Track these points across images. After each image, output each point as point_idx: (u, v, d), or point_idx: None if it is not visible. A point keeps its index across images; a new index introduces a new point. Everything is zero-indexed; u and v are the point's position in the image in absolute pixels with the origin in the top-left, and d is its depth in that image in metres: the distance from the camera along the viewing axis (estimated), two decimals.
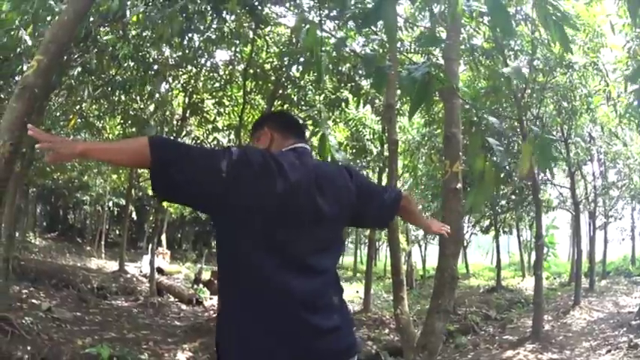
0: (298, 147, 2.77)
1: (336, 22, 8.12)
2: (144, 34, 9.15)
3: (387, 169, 13.16)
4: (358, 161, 12.28)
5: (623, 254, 29.24)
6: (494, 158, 4.70)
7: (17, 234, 15.85)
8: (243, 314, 2.47)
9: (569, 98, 12.97)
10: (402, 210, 3.24)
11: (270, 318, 2.44)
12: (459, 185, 4.74)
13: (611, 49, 11.33)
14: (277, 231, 2.46)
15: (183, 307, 13.71)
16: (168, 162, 2.30)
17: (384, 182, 13.86)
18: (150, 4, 7.86)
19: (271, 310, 2.44)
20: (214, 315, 11.71)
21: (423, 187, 19.03)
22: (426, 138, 15.43)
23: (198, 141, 13.70)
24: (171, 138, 3.11)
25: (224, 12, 8.42)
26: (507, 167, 12.95)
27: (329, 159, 4.78)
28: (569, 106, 13.21)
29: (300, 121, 3.57)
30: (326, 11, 6.94)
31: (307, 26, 4.43)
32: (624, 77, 10.40)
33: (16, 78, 8.25)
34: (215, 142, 13.27)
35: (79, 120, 13.12)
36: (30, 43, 7.21)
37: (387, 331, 12.11)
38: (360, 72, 10.85)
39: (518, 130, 12.09)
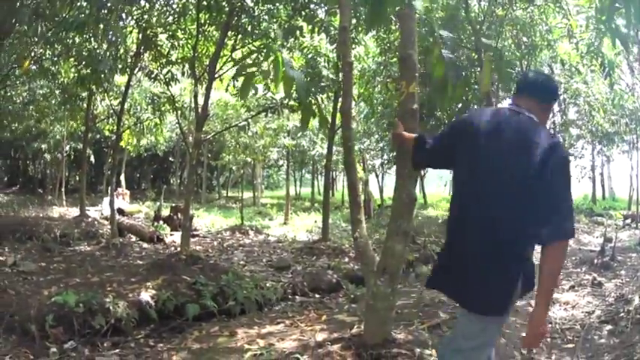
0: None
1: None
2: None
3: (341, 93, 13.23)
4: (313, 88, 12.17)
5: (583, 193, 29.78)
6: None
7: None
8: None
9: (529, 33, 13.00)
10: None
11: None
12: (416, 106, 4.71)
13: None
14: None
15: (145, 245, 13.73)
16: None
17: (338, 107, 13.86)
18: None
19: None
20: (175, 251, 11.70)
21: (378, 115, 19.04)
22: (382, 66, 15.41)
23: (152, 75, 13.53)
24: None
25: None
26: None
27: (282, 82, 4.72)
28: (529, 40, 13.26)
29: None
30: None
31: None
32: (587, 17, 10.38)
33: None
34: (169, 76, 13.10)
35: (33, 67, 12.89)
36: None
37: (346, 259, 12.27)
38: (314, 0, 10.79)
39: (477, 61, 12.10)
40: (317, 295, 9.39)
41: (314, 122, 13.58)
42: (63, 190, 25.83)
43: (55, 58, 13.49)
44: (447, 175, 36.91)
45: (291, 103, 9.75)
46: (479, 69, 12.06)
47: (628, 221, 19.47)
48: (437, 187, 42.39)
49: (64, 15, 10.41)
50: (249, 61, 7.98)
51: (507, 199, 3.22)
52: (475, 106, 13.54)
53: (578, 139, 23.62)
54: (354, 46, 12.49)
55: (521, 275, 3.45)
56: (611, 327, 6.71)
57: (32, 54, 12.34)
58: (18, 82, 15.45)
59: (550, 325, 6.78)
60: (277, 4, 10.38)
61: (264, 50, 8.28)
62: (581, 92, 18.53)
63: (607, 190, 32.97)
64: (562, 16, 12.29)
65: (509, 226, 3.26)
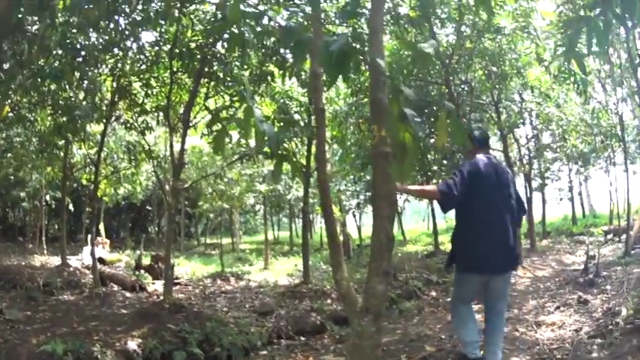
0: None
1: None
2: (71, 20, 9.00)
3: (315, 139, 13.30)
4: (287, 133, 12.32)
5: (563, 214, 29.99)
6: (412, 128, 4.79)
7: None
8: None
9: (499, 63, 13.19)
10: None
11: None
12: (388, 149, 4.80)
13: (543, 17, 11.51)
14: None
15: (128, 294, 13.63)
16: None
17: (313, 153, 13.98)
18: None
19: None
20: (158, 300, 11.70)
21: (353, 156, 19.16)
22: (354, 107, 15.56)
23: (128, 124, 13.61)
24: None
25: None
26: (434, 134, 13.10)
27: (254, 132, 4.80)
28: (499, 70, 13.45)
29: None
30: None
31: (231, 1, 4.42)
32: (555, 42, 10.56)
33: None
34: (144, 125, 13.18)
35: (9, 114, 12.90)
36: None
37: (329, 301, 12.25)
38: (285, 45, 10.93)
39: (447, 95, 12.27)
40: (302, 338, 9.41)
41: (288, 167, 13.75)
42: (43, 238, 25.64)
43: (32, 106, 13.45)
44: (423, 210, 37.25)
45: (266, 149, 9.86)
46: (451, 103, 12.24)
47: (610, 236, 19.56)
48: (415, 222, 42.71)
49: (40, 63, 10.48)
50: (223, 112, 8.12)
51: (508, 204, 5.91)
52: (435, 155, 13.69)
53: (554, 162, 23.86)
54: (324, 89, 12.64)
55: None
56: (600, 341, 6.74)
57: (9, 101, 12.36)
58: None
59: (537, 347, 6.90)
60: (248, 50, 10.53)
61: (238, 100, 8.42)
62: (553, 117, 18.75)
63: (587, 208, 33.25)
64: (530, 42, 12.49)
65: (512, 217, 5.92)
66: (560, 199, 27.41)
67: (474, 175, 5.65)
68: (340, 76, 4.15)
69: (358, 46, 4.59)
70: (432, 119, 13.54)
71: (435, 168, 17.56)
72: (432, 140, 14.97)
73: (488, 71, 13.92)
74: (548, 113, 18.41)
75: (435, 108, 13.80)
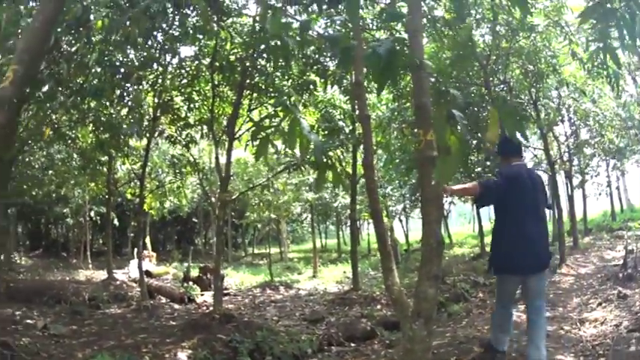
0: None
1: (298, 6, 8.19)
2: (108, 38, 9.13)
3: (361, 147, 13.27)
4: (331, 141, 12.34)
5: (603, 210, 29.62)
6: (459, 129, 4.79)
7: (2, 256, 15.78)
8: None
9: (534, 61, 13.09)
10: None
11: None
12: (435, 153, 4.81)
13: (573, 11, 11.40)
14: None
15: (176, 306, 13.70)
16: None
17: (359, 160, 13.98)
18: (112, 6, 7.86)
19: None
20: (207, 310, 11.76)
21: (397, 161, 19.10)
22: (396, 113, 15.53)
23: (172, 139, 13.75)
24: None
25: (186, 8, 8.46)
26: (478, 134, 13.03)
27: (298, 142, 4.84)
28: (535, 68, 13.35)
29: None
30: None
31: (272, 12, 4.49)
32: (586, 37, 10.46)
33: None
34: (188, 139, 13.31)
35: (50, 132, 13.06)
36: None
37: (378, 306, 12.21)
38: (325, 54, 10.94)
39: (487, 96, 12.22)
40: (352, 344, 9.34)
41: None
42: (88, 253, 25.94)
43: (72, 124, 13.59)
44: (469, 212, 36.98)
45: (311, 158, 9.87)
46: (490, 106, 12.19)
47: None
48: (461, 225, 42.45)
49: (79, 81, 10.63)
50: (266, 121, 8.16)
51: (540, 209, 6.30)
52: (479, 157, 13.59)
53: (592, 158, 23.57)
54: (367, 95, 12.66)
55: None
56: (638, 334, 6.73)
57: (50, 120, 12.52)
58: (35, 147, 15.59)
59: (581, 344, 6.90)
60: (289, 61, 10.58)
61: (281, 110, 8.43)
62: (590, 112, 18.54)
63: (624, 202, 32.76)
64: (563, 38, 12.39)
65: (544, 219, 6.47)
66: (599, 194, 27.01)
67: (512, 180, 6.10)
68: (389, 81, 4.16)
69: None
70: (474, 121, 13.55)
71: (479, 169, 17.43)
72: (474, 142, 14.86)
73: (525, 70, 13.81)
74: (585, 109, 18.21)
75: (475, 109, 13.74)
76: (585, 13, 6.35)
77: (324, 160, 5.44)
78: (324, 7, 5.50)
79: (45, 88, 9.69)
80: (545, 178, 22.39)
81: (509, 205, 6.04)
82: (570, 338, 7.29)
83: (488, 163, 17.30)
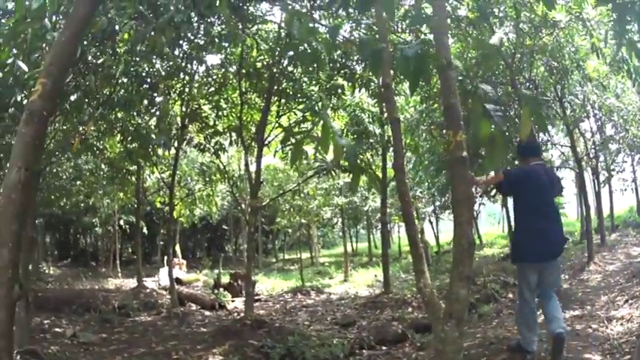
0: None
1: (325, 11, 8.22)
2: (134, 48, 9.20)
3: (390, 149, 13.23)
4: (360, 145, 12.36)
5: (629, 206, 29.32)
6: (496, 122, 4.80)
7: (30, 266, 15.89)
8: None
9: (558, 57, 13.02)
10: None
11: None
12: (465, 153, 4.83)
13: (592, 4, 11.34)
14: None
15: (207, 313, 13.79)
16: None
17: (388, 163, 13.97)
18: (137, 17, 7.93)
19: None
20: (239, 317, 11.82)
21: (426, 163, 19.04)
22: (424, 114, 15.50)
23: (201, 146, 13.80)
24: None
25: (210, 16, 8.51)
26: (507, 133, 12.97)
27: (331, 146, 4.87)
28: (560, 65, 13.27)
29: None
30: (312, 2, 7.02)
31: (298, 18, 4.51)
32: (606, 30, 10.41)
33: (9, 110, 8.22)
34: (217, 146, 13.39)
35: (79, 144, 13.16)
36: (26, 69, 7.24)
37: (410, 309, 12.20)
38: (352, 57, 10.95)
39: (513, 95, 12.15)
40: (384, 348, 9.31)
41: (364, 179, 13.74)
42: (117, 262, 26.11)
43: (100, 134, 13.68)
44: (498, 212, 36.77)
45: (342, 162, 9.86)
46: (516, 105, 12.14)
47: None
48: (490, 225, 42.22)
49: (106, 92, 10.71)
50: (295, 128, 8.22)
51: (554, 202, 7.08)
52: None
53: (618, 154, 23.36)
54: (395, 98, 12.65)
55: None
56: None
57: (78, 132, 12.60)
58: (63, 158, 15.71)
59: (608, 342, 6.90)
60: (316, 66, 10.60)
61: (310, 115, 8.46)
62: (614, 108, 18.38)
63: None
64: (585, 33, 12.32)
65: (559, 212, 7.18)
66: (625, 190, 26.73)
67: (530, 174, 6.68)
68: (420, 82, 4.19)
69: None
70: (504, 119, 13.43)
71: (508, 168, 17.31)
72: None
73: (550, 67, 13.72)
74: (610, 104, 18.06)
75: (503, 108, 13.67)
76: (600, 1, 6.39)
77: (358, 163, 5.46)
78: (360, 9, 5.49)
79: (72, 100, 9.78)
80: (572, 175, 22.33)
81: (528, 199, 6.62)
82: (598, 336, 7.29)
83: (516, 162, 17.23)
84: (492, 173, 7.16)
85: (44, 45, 7.56)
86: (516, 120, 12.60)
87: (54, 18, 7.86)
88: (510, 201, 13.76)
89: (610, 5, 7.98)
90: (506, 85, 12.71)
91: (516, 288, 7.82)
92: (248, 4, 8.87)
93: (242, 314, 11.46)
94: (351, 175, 5.95)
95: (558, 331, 6.29)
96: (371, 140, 13.09)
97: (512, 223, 9.21)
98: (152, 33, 7.45)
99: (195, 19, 8.43)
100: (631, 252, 15.37)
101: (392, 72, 6.33)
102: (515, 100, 12.43)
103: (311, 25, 4.90)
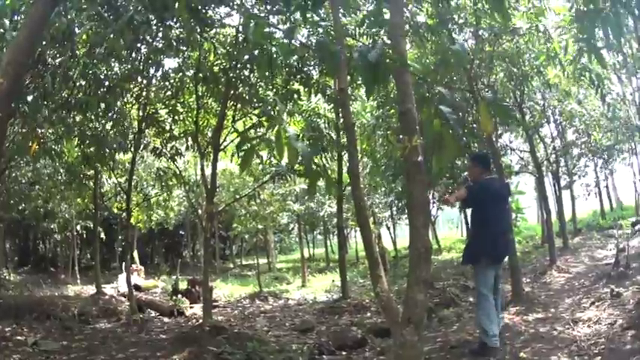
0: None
1: (280, 16, 8.20)
2: (92, 51, 9.09)
3: (345, 154, 13.24)
4: (316, 149, 12.35)
5: (592, 210, 29.78)
6: (449, 127, 4.81)
7: None
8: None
9: (518, 64, 13.14)
10: None
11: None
12: (420, 158, 4.84)
13: (556, 12, 11.46)
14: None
15: (166, 319, 13.66)
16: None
17: (344, 168, 14.02)
18: (96, 19, 7.84)
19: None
20: (197, 323, 11.73)
21: (383, 168, 19.11)
22: (381, 120, 15.56)
23: (157, 151, 13.67)
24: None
25: (169, 20, 8.44)
26: (464, 138, 13.05)
27: (286, 151, 4.84)
28: (519, 71, 13.39)
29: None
30: (270, 7, 6.99)
31: (255, 22, 4.48)
32: (568, 38, 10.53)
33: None
34: (174, 151, 13.29)
35: (37, 147, 12.97)
36: None
37: (368, 314, 12.26)
38: (308, 63, 10.94)
39: (471, 101, 12.24)
40: (344, 353, 9.25)
41: (321, 184, 13.77)
42: (76, 268, 25.82)
43: (58, 138, 13.47)
44: (456, 217, 37.18)
45: (297, 167, 9.84)
46: (474, 110, 12.24)
47: (638, 227, 19.30)
48: (449, 229, 42.68)
49: (63, 95, 10.56)
50: (251, 132, 8.19)
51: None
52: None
53: (580, 158, 23.68)
54: (350, 102, 12.66)
55: None
56: (634, 332, 6.77)
57: (35, 135, 12.41)
58: (22, 162, 15.48)
59: (575, 344, 6.91)
60: (272, 71, 10.58)
61: (266, 119, 8.42)
62: (575, 113, 18.63)
63: (614, 201, 32.90)
64: (545, 40, 12.44)
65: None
66: (588, 195, 27.14)
67: (488, 189, 7.73)
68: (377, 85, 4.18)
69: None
70: (461, 124, 13.54)
71: (465, 173, 17.45)
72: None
73: (509, 73, 13.85)
74: (571, 110, 18.29)
75: (460, 114, 13.74)
76: (577, 17, 6.46)
77: (314, 167, 5.42)
78: (307, 13, 5.47)
79: (29, 101, 9.65)
80: (532, 180, 22.59)
81: (487, 209, 7.62)
82: (564, 338, 7.33)
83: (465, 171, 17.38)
84: (461, 190, 8.03)
85: (2, 45, 7.45)
86: (473, 125, 12.73)
87: (15, 17, 7.77)
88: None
89: (573, 10, 8.12)
90: (464, 91, 12.79)
91: (475, 287, 8.18)
92: (207, 8, 8.79)
93: (200, 320, 11.38)
94: (307, 181, 5.91)
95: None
96: (324, 144, 13.10)
97: (469, 229, 9.94)
98: (111, 35, 7.38)
99: (154, 21, 8.36)
100: (595, 255, 15.57)
101: (348, 77, 6.34)
102: (472, 106, 12.52)
103: (267, 30, 4.87)
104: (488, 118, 4.63)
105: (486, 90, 13.12)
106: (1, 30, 7.19)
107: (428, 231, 5.09)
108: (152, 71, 11.76)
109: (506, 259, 9.61)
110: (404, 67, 4.78)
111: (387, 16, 6.11)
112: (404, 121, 5.00)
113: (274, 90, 12.10)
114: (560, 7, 11.23)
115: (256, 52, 6.62)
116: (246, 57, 10.04)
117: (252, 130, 10.22)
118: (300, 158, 5.03)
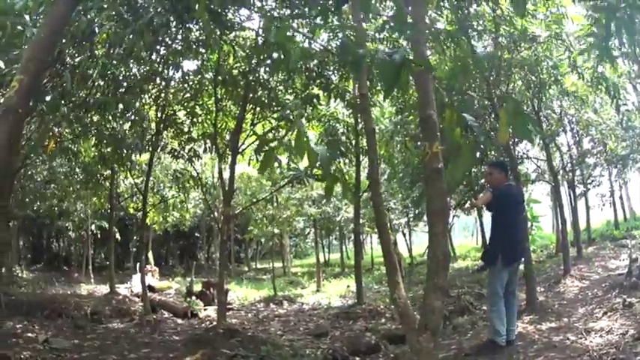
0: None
1: (302, 19, 8.21)
2: (111, 51, 9.12)
3: (365, 159, 13.21)
4: (334, 154, 12.34)
5: (606, 219, 29.55)
6: (471, 134, 4.79)
7: (3, 269, 15.65)
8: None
9: (537, 72, 13.08)
10: None
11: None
12: (441, 165, 4.82)
13: (572, 20, 11.41)
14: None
15: (179, 321, 13.65)
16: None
17: (363, 174, 13.99)
18: (116, 19, 7.86)
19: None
20: (211, 325, 11.72)
21: (401, 174, 19.07)
22: (399, 126, 15.52)
23: (175, 153, 13.70)
24: None
25: (189, 22, 8.46)
26: (482, 145, 13.01)
27: (306, 154, 4.83)
28: (537, 79, 13.33)
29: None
30: (291, 11, 6.99)
31: (276, 24, 4.48)
32: (586, 46, 10.48)
33: None
34: (191, 153, 13.31)
35: (53, 146, 13.02)
36: (2, 65, 7.16)
37: (383, 320, 12.23)
38: (328, 67, 10.93)
39: (490, 109, 12.20)
40: (357, 358, 9.20)
41: (338, 189, 13.80)
42: (90, 267, 25.89)
43: (75, 138, 13.47)
44: (472, 225, 37.06)
45: (315, 171, 9.82)
46: (492, 117, 12.19)
47: None
48: (464, 237, 42.59)
49: (81, 94, 10.59)
50: (269, 135, 8.18)
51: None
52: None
53: (595, 167, 23.54)
54: (371, 108, 12.65)
55: None
56: None
57: (52, 134, 12.43)
58: (38, 160, 15.53)
59: (587, 354, 6.85)
60: (292, 74, 10.56)
61: (284, 123, 8.42)
62: (592, 122, 18.54)
63: (627, 211, 32.65)
64: (564, 49, 12.39)
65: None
66: (603, 205, 26.95)
67: (508, 195, 8.19)
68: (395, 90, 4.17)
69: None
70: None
71: (482, 181, 17.38)
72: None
73: (527, 81, 13.79)
74: (587, 119, 18.20)
75: (478, 121, 13.70)
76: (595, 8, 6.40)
77: (332, 171, 5.41)
78: (330, 15, 5.46)
79: (48, 100, 9.67)
80: (548, 188, 22.45)
81: (508, 214, 8.06)
82: (576, 348, 7.27)
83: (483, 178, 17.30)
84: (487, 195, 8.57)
85: (23, 42, 7.49)
86: (491, 133, 12.68)
87: (35, 17, 7.81)
88: (485, 214, 13.89)
89: (591, 19, 8.07)
90: (482, 98, 12.76)
91: (490, 288, 8.31)
92: (227, 11, 8.81)
93: (214, 323, 11.37)
94: (324, 185, 5.89)
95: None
96: (342, 149, 13.10)
97: (488, 233, 9.95)
98: (131, 36, 7.40)
99: (174, 23, 8.38)
100: (609, 265, 15.45)
101: (367, 83, 6.34)
102: (490, 114, 12.47)
103: (289, 33, 4.87)
104: (505, 129, 4.58)
105: (504, 97, 13.09)
106: (23, 26, 7.22)
107: (446, 238, 5.07)
108: (171, 73, 11.77)
109: (522, 267, 9.74)
110: (428, 70, 4.77)
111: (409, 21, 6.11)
112: (425, 127, 4.99)
113: (293, 94, 12.12)
114: (577, 15, 11.18)
115: (275, 55, 6.64)
116: (267, 60, 10.06)
117: (270, 134, 10.24)
118: (318, 162, 5.02)
